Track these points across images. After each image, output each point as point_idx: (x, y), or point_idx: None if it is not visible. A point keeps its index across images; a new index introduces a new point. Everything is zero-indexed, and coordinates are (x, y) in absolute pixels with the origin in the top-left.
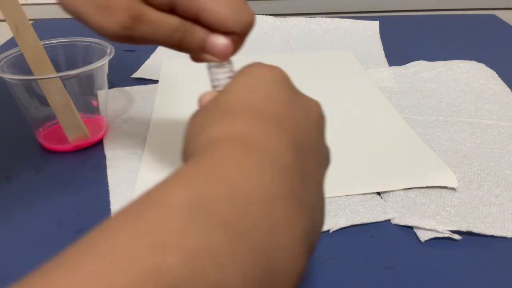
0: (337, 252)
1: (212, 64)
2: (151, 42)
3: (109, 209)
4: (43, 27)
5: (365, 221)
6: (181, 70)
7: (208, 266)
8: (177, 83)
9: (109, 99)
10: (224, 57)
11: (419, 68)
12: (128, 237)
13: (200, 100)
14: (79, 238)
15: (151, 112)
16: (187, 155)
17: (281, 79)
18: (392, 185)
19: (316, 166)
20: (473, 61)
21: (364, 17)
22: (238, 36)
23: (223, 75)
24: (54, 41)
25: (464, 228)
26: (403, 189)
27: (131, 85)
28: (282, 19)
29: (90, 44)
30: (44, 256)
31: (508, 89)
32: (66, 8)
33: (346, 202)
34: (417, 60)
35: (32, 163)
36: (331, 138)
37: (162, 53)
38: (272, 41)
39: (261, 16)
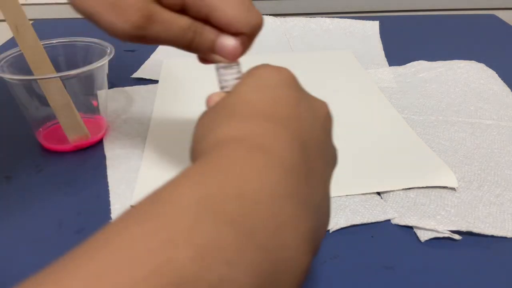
0: (337, 252)
1: (220, 65)
2: (161, 42)
3: (109, 209)
4: (43, 27)
5: (365, 221)
6: (181, 70)
7: (217, 262)
8: (177, 83)
9: (109, 99)
10: (232, 58)
11: (419, 68)
12: (141, 233)
13: (208, 101)
14: (81, 238)
15: (151, 112)
16: (195, 155)
17: (288, 81)
18: (392, 185)
19: (322, 166)
20: (473, 61)
21: (364, 17)
22: (247, 37)
23: (231, 76)
24: (54, 41)
25: (464, 228)
26: (403, 189)
27: (131, 85)
28: (282, 19)
29: (90, 44)
30: (44, 256)
31: (508, 89)
32: (77, 8)
33: (346, 202)
34: (417, 60)
35: (32, 163)
36: None
37: (162, 53)
38: (272, 41)
39: None
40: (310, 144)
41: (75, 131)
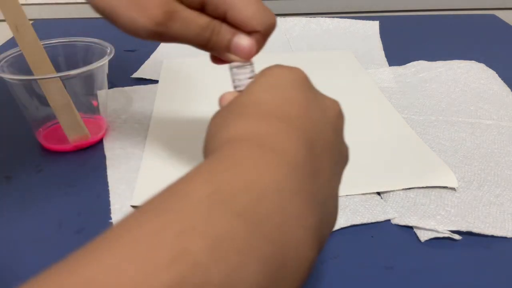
0: (337, 252)
1: (234, 64)
2: (179, 40)
3: (109, 209)
4: (43, 27)
5: (365, 221)
6: (181, 70)
7: (229, 251)
8: (177, 83)
9: (109, 99)
10: (247, 57)
11: (419, 68)
12: (157, 225)
13: (221, 100)
14: (80, 238)
15: (151, 112)
16: (207, 152)
17: (300, 80)
18: (392, 185)
19: (330, 165)
20: (473, 61)
21: (364, 17)
22: (261, 36)
23: (244, 75)
24: (54, 41)
25: (464, 228)
26: (403, 189)
27: (131, 85)
28: (282, 19)
29: (90, 44)
30: (44, 256)
31: (508, 89)
32: (96, 6)
33: (346, 202)
34: (417, 60)
35: (32, 163)
36: None
37: (162, 53)
38: (272, 41)
39: None
40: (318, 143)
41: (75, 131)
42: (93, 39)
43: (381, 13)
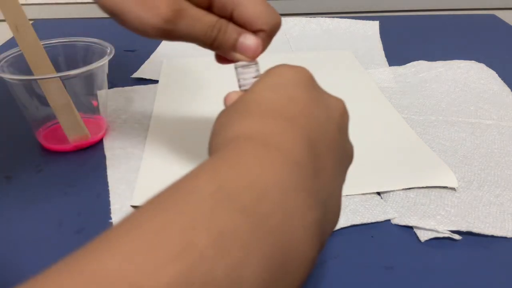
0: (337, 252)
1: (239, 64)
2: (186, 38)
3: (109, 209)
4: (43, 27)
5: (365, 221)
6: (181, 70)
7: (232, 245)
8: (177, 83)
9: (109, 99)
10: (253, 57)
11: (419, 68)
12: (164, 220)
13: (226, 99)
14: (81, 238)
15: (151, 112)
16: (211, 149)
17: (305, 79)
18: (392, 185)
19: (334, 164)
20: (473, 61)
21: (364, 17)
22: (267, 35)
23: (249, 75)
24: (54, 41)
25: (464, 228)
26: (403, 189)
27: (131, 85)
28: (282, 19)
29: (90, 44)
30: (44, 256)
31: (508, 89)
32: (103, 4)
33: (346, 202)
34: (417, 60)
35: (32, 163)
36: None
37: (162, 53)
38: (272, 41)
39: None
40: (321, 142)
41: (75, 131)
42: (93, 39)
43: (381, 13)
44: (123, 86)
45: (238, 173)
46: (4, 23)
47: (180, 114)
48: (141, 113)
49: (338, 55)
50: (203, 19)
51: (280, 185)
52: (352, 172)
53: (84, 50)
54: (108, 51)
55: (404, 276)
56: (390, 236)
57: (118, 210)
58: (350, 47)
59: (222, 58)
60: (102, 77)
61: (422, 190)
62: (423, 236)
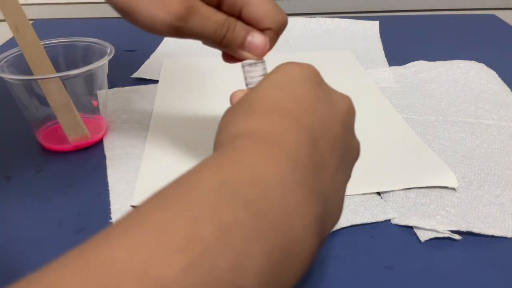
0: (337, 252)
1: (246, 62)
2: (195, 36)
3: (109, 209)
4: (43, 27)
5: (365, 221)
6: (181, 70)
7: (235, 237)
8: (177, 83)
9: (109, 99)
10: (261, 55)
11: (419, 68)
12: (169, 213)
13: (232, 97)
14: (81, 238)
15: (151, 112)
16: (216, 146)
17: (310, 77)
18: (392, 185)
19: (336, 161)
20: (473, 61)
21: (364, 17)
22: (274, 34)
23: (256, 73)
24: (54, 41)
25: (464, 228)
26: (403, 189)
27: (131, 85)
28: None
29: (90, 44)
30: (44, 256)
31: (508, 89)
32: (114, 1)
33: (346, 202)
34: (417, 60)
35: (32, 163)
36: None
37: (162, 53)
38: None
39: None
40: (324, 139)
41: (75, 131)
42: (93, 39)
43: (381, 13)
44: (123, 86)
45: (241, 170)
46: (4, 23)
47: (180, 114)
48: (141, 113)
49: (338, 55)
50: (213, 17)
51: (282, 182)
52: (352, 172)
53: (84, 50)
54: (108, 51)
55: (404, 276)
56: (390, 236)
57: (118, 210)
58: (350, 47)
59: (229, 56)
60: (102, 77)
61: (422, 190)
62: (423, 236)
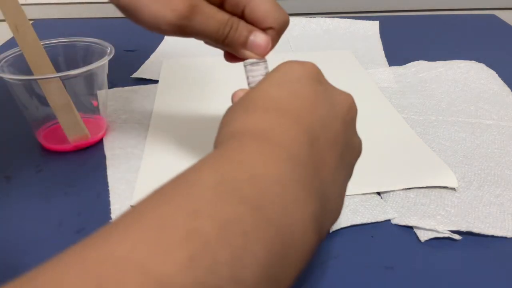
0: (337, 252)
1: (248, 61)
2: (198, 35)
3: (109, 209)
4: (43, 27)
5: (365, 221)
6: (181, 70)
7: (235, 231)
8: (177, 83)
9: (109, 99)
10: (263, 54)
11: (419, 68)
12: (170, 208)
13: (233, 96)
14: (81, 238)
15: (151, 112)
16: (216, 143)
17: (310, 75)
18: (392, 185)
19: (335, 159)
20: (473, 61)
21: (364, 17)
22: (276, 33)
23: (258, 72)
24: (54, 41)
25: (464, 228)
26: (403, 189)
27: (131, 85)
28: None
29: (90, 44)
30: (44, 256)
31: (508, 89)
32: (118, 1)
33: (346, 202)
34: (417, 60)
35: (32, 163)
36: None
37: (162, 53)
38: None
39: None
40: (323, 137)
41: (75, 131)
42: (93, 39)
43: (381, 13)
44: (123, 86)
45: (240, 167)
46: (4, 23)
47: (180, 114)
48: (141, 113)
49: (338, 55)
50: (216, 16)
51: (280, 180)
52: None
53: (84, 50)
54: (108, 51)
55: (404, 276)
56: (390, 236)
57: (118, 210)
58: (350, 47)
59: (231, 56)
60: (102, 77)
61: (422, 190)
62: (423, 236)
